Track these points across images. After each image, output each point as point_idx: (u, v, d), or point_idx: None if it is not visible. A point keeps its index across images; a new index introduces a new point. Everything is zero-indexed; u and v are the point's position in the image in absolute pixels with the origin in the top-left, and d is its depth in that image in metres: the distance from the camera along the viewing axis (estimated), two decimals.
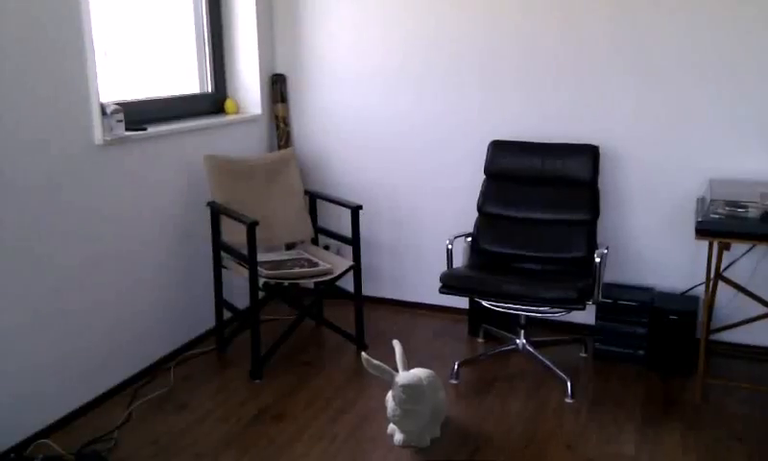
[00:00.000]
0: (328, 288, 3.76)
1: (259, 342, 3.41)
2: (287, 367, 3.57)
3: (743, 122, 3.45)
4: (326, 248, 4.11)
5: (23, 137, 2.75)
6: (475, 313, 3.91)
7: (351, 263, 3.63)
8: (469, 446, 2.87)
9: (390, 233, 4.27)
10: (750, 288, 3.51)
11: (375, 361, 2.64)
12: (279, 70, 4.33)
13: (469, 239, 3.68)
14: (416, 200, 4.16)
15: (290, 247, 4.21)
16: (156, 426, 3.04)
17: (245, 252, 3.35)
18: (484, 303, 3.41)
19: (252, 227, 3.28)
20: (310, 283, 3.83)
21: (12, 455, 2.66)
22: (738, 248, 3.49)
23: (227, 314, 3.81)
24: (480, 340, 3.89)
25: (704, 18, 3.41)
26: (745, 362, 3.60)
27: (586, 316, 3.86)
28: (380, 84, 4.10)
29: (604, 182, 3.73)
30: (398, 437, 2.79)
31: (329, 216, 4.33)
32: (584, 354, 3.70)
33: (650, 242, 3.73)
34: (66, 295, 3.00)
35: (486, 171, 3.73)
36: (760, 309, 3.51)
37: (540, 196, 3.62)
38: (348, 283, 3.88)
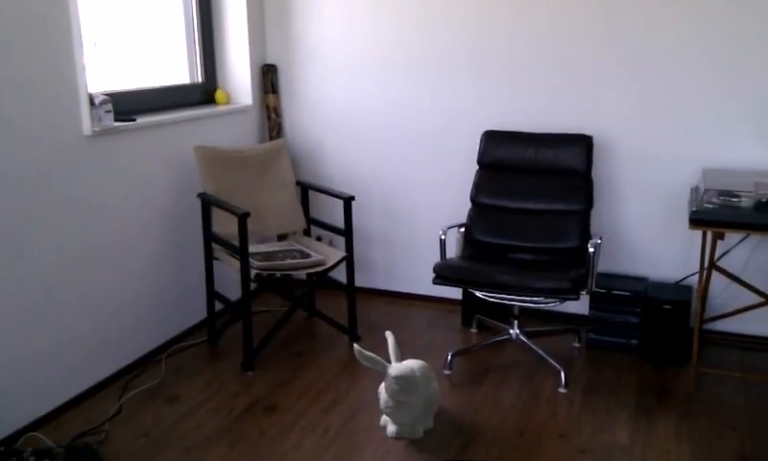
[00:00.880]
0: (321, 279, 3.73)
1: (251, 334, 3.39)
2: (279, 359, 3.55)
3: (737, 111, 3.44)
4: (319, 239, 4.08)
5: (10, 128, 2.72)
6: (468, 303, 3.90)
7: (344, 254, 3.61)
8: (463, 437, 2.86)
9: (382, 224, 4.25)
10: (743, 278, 3.50)
11: (368, 353, 2.63)
12: (270, 60, 4.29)
13: (463, 230, 3.66)
14: (408, 190, 4.14)
15: (282, 238, 4.18)
16: (147, 419, 3.02)
17: (236, 243, 3.33)
18: (477, 294, 3.40)
19: (243, 218, 3.26)
20: (302, 275, 3.81)
21: (2, 448, 2.63)
22: (732, 237, 3.48)
23: (218, 306, 3.78)
24: (473, 330, 3.88)
25: (696, 8, 3.40)
26: (737, 351, 3.60)
27: (579, 306, 3.85)
28: (372, 74, 4.07)
29: (597, 173, 3.71)
30: (391, 429, 2.78)
31: (321, 207, 4.31)
32: (577, 344, 3.70)
33: (643, 232, 3.72)
34: (55, 287, 2.97)
35: (479, 161, 3.72)
36: (753, 298, 3.50)
37: (534, 186, 3.61)
38: (340, 274, 3.86)
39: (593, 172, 3.69)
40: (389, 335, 2.77)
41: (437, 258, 4.10)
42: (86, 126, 3.04)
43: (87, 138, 3.07)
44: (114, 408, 3.09)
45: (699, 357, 3.29)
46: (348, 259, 3.65)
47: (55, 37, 2.87)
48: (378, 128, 4.13)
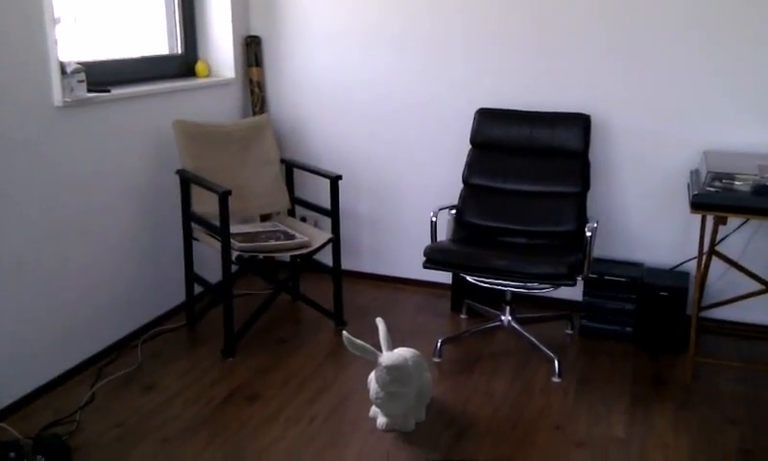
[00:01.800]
0: (305, 262, 3.58)
1: (232, 318, 3.23)
2: (261, 344, 3.40)
3: (739, 93, 3.32)
4: (303, 220, 3.92)
5: None
6: (458, 288, 3.77)
7: (330, 236, 3.46)
8: (454, 429, 2.73)
9: (370, 205, 4.10)
10: (742, 264, 3.39)
11: (358, 341, 2.48)
12: (254, 32, 4.10)
13: (454, 212, 3.52)
14: (397, 169, 3.99)
15: (265, 218, 4.02)
16: (121, 408, 2.86)
17: (217, 223, 3.16)
18: (468, 279, 3.26)
19: (224, 196, 3.09)
20: (286, 257, 3.66)
21: None
22: (730, 222, 3.37)
23: (197, 289, 3.62)
24: (463, 316, 3.75)
25: None
26: (734, 340, 3.50)
27: (572, 292, 3.73)
28: (360, 46, 3.90)
29: (593, 154, 3.58)
30: (381, 420, 2.64)
31: (307, 186, 4.14)
32: (570, 331, 3.58)
33: (640, 216, 3.60)
34: (22, 267, 2.80)
35: (472, 140, 3.57)
36: (751, 286, 3.40)
37: (529, 167, 3.47)
38: (325, 257, 3.71)
39: (589, 153, 3.55)
40: (380, 322, 2.63)
41: (426, 241, 3.95)
42: (57, 96, 2.85)
43: (58, 109, 2.88)
44: (86, 396, 2.93)
45: (696, 346, 3.18)
46: (335, 241, 3.49)
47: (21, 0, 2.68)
48: (367, 103, 3.96)
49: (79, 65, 2.93)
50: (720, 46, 3.29)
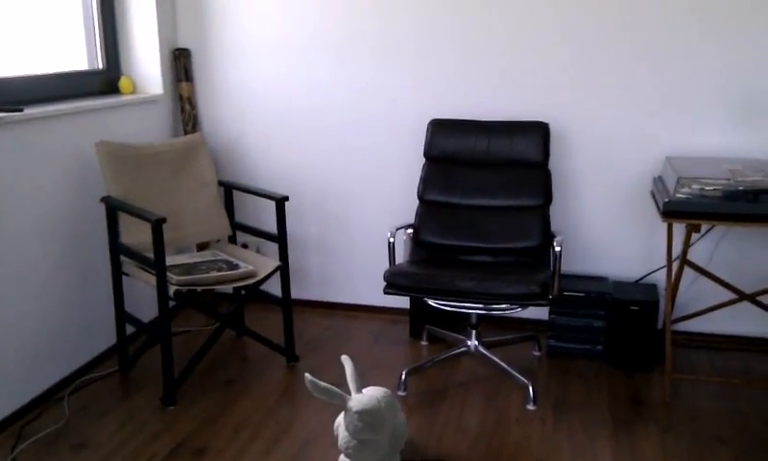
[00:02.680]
0: (251, 293, 3.26)
1: (171, 361, 2.88)
2: (206, 388, 3.06)
3: (701, 96, 3.20)
4: (245, 246, 3.60)
5: None
6: (417, 313, 3.51)
7: (278, 263, 3.15)
8: None
9: (316, 227, 3.81)
10: (710, 272, 3.27)
11: (323, 383, 2.19)
12: (183, 44, 3.77)
13: (410, 231, 3.27)
14: (346, 188, 3.71)
15: (202, 247, 3.68)
16: None
17: (149, 255, 2.82)
18: (430, 302, 3.02)
19: (157, 225, 2.75)
20: (228, 288, 3.33)
21: None
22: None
23: (129, 329, 3.25)
24: (424, 343, 3.49)
25: None
26: (706, 352, 3.37)
27: (536, 311, 3.53)
28: (299, 57, 3.62)
29: (550, 165, 3.40)
30: None
31: (247, 210, 3.83)
32: (537, 353, 3.38)
33: (601, 227, 3.44)
34: None
35: (426, 154, 3.33)
36: (719, 295, 3.28)
37: (488, 180, 3.26)
38: (270, 286, 3.40)
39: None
40: (346, 361, 2.34)
41: (379, 264, 3.72)
42: None
43: None
44: None
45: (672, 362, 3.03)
46: (283, 269, 3.19)
47: None
48: (309, 118, 3.68)
49: None
50: (680, 48, 3.17)
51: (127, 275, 3.09)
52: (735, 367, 3.22)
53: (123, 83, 3.54)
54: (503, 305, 2.88)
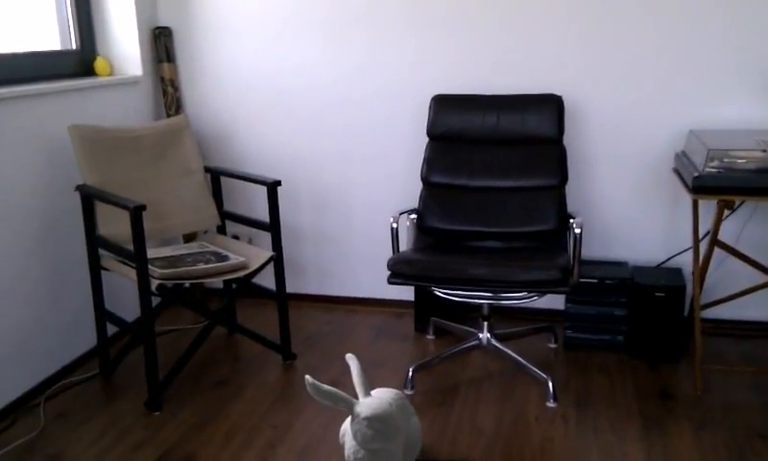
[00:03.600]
0: (243, 287, 3.00)
1: (156, 363, 2.62)
2: (194, 391, 2.80)
3: (724, 65, 2.95)
4: (236, 238, 3.34)
5: None
6: (423, 305, 3.26)
7: (271, 253, 2.89)
8: None
9: (312, 216, 3.54)
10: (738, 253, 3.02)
11: (326, 386, 1.93)
12: (163, 22, 3.50)
13: (414, 216, 3.02)
14: (343, 172, 3.45)
15: (190, 239, 3.43)
16: None
17: (130, 247, 2.56)
18: (437, 293, 2.77)
19: (136, 212, 2.49)
20: (219, 283, 3.08)
21: None
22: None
23: (111, 329, 2.99)
24: (430, 337, 3.24)
25: None
26: (735, 341, 3.12)
27: (551, 300, 3.29)
28: (291, 34, 3.36)
29: (565, 143, 3.15)
30: None
31: (237, 198, 3.57)
32: (553, 345, 3.13)
33: (619, 208, 3.19)
34: None
35: (429, 132, 3.08)
36: (750, 277, 3.03)
37: (497, 160, 3.00)
38: (264, 279, 3.14)
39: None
40: (351, 360, 2.08)
41: (380, 254, 3.47)
42: None
43: None
44: None
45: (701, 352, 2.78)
46: (277, 259, 2.93)
47: None
48: (302, 98, 3.42)
49: None
50: (702, 15, 2.92)
51: (106, 269, 2.83)
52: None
53: (99, 64, 3.27)
54: (519, 294, 2.62)
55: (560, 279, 2.46)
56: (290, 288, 3.62)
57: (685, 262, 3.13)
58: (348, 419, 1.98)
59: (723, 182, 2.53)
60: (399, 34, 3.22)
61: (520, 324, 3.31)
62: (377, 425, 1.90)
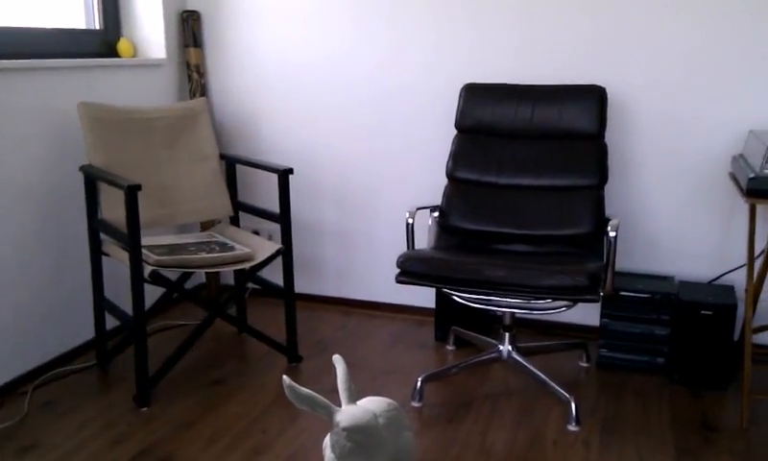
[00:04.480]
0: (248, 280, 2.82)
1: (145, 356, 2.46)
2: (190, 388, 2.63)
3: None
4: (256, 233, 3.17)
5: None
6: (444, 313, 3.02)
7: (279, 246, 2.70)
8: None
9: (335, 214, 3.35)
10: None
11: (303, 389, 1.72)
12: (192, 6, 3.38)
13: (436, 214, 2.79)
14: (369, 170, 3.25)
15: (206, 229, 3.28)
16: None
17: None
18: (456, 298, 2.52)
19: (131, 191, 2.34)
20: (232, 278, 2.92)
21: None
22: None
23: (112, 320, 2.85)
24: (450, 347, 2.99)
25: None
26: None
27: (585, 314, 3.00)
28: (322, 22, 3.19)
29: (607, 140, 2.88)
30: None
31: (256, 189, 3.41)
32: (585, 364, 2.83)
33: (666, 217, 2.88)
34: None
35: (458, 124, 2.85)
36: None
37: (530, 155, 2.75)
38: (279, 278, 2.96)
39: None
40: (338, 361, 1.86)
41: None
42: None
43: None
44: None
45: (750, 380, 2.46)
46: (286, 253, 2.74)
47: None
48: (331, 90, 3.24)
49: None
50: (763, 6, 2.61)
51: (107, 255, 2.70)
52: None
53: (122, 45, 3.17)
54: (543, 302, 2.36)
55: (587, 287, 2.19)
56: (308, 289, 3.44)
57: (739, 280, 2.80)
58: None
59: None
60: (429, 22, 3.01)
61: (549, 339, 3.03)
62: (357, 437, 1.67)
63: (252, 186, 3.40)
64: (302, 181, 3.34)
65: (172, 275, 3.01)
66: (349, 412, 1.72)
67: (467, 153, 2.80)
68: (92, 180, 2.64)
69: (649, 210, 2.90)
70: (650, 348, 2.73)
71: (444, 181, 2.89)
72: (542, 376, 2.48)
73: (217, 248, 2.69)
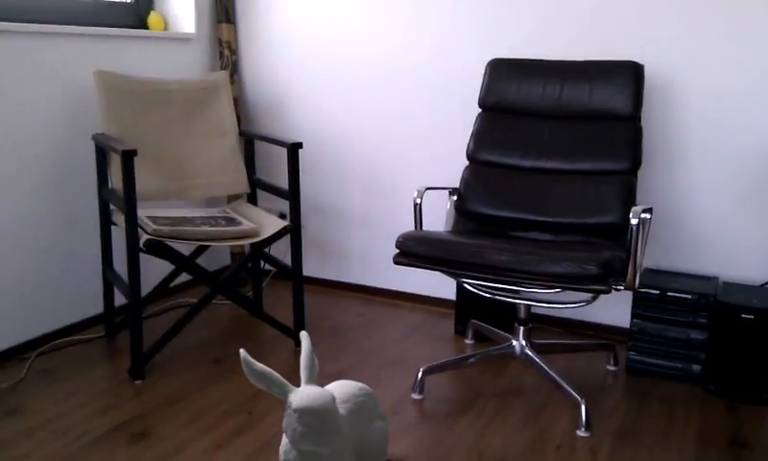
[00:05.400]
0: (257, 258, 2.72)
1: (140, 329, 2.41)
2: (189, 365, 2.56)
3: None
4: (282, 216, 3.07)
5: None
6: (464, 305, 2.84)
7: (286, 223, 2.60)
8: None
9: (361, 200, 3.22)
10: None
11: (260, 366, 1.59)
12: None
13: (455, 198, 2.61)
14: (395, 153, 3.11)
15: (231, 201, 3.21)
16: None
17: (144, 203, 2.37)
18: (468, 287, 2.35)
19: (127, 157, 2.29)
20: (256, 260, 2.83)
21: None
22: None
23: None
24: (469, 341, 2.81)
25: None
26: None
27: (616, 314, 2.76)
28: None
29: (646, 125, 2.63)
30: None
31: (279, 168, 3.32)
32: (612, 367, 2.59)
33: (713, 212, 2.60)
34: None
35: (481, 102, 2.66)
36: None
37: (557, 137, 2.54)
38: (309, 265, 2.86)
39: (642, 121, 2.62)
40: (304, 338, 1.73)
41: None
42: None
43: None
44: None
45: None
46: (293, 231, 2.63)
47: None
48: (365, 73, 3.12)
49: None
50: None
51: (116, 225, 2.66)
52: None
53: (153, 19, 3.15)
54: (552, 292, 2.15)
55: (595, 276, 1.97)
56: (333, 275, 3.33)
57: None
58: None
59: None
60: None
61: (575, 337, 2.81)
62: (308, 421, 1.53)
63: (279, 166, 3.31)
64: (331, 165, 3.23)
65: (185, 249, 2.96)
66: (304, 393, 1.58)
67: (489, 133, 2.62)
68: (103, 148, 2.61)
69: (694, 205, 2.63)
70: (685, 354, 2.47)
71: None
72: (554, 376, 2.26)
73: (223, 222, 2.61)
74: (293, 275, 2.68)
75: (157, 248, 2.36)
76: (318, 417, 1.54)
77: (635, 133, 2.44)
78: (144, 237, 2.35)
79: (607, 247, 2.28)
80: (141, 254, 2.33)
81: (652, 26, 2.57)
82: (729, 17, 2.46)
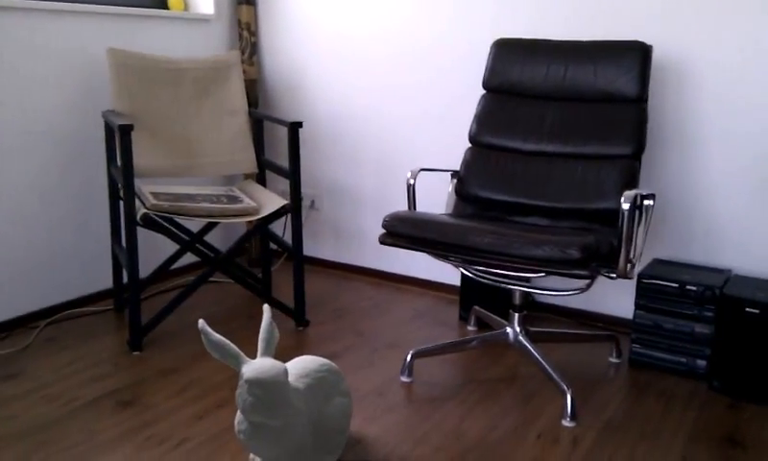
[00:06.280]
0: (254, 235, 2.74)
1: (138, 301, 2.46)
2: (186, 339, 2.60)
3: None
4: (312, 204, 3.08)
5: None
6: (468, 292, 2.80)
7: (285, 202, 2.60)
8: None
9: (375, 183, 3.21)
10: None
11: (216, 336, 1.61)
12: None
13: (455, 180, 2.57)
14: (409, 137, 3.08)
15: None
16: None
17: (142, 177, 2.42)
18: (462, 270, 2.32)
19: (124, 131, 2.33)
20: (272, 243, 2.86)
21: None
22: None
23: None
24: (471, 327, 2.77)
25: None
26: None
27: (619, 305, 2.67)
28: None
29: (658, 108, 2.53)
30: None
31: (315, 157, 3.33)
32: (614, 359, 2.51)
33: (729, 202, 2.48)
34: None
35: (485, 83, 2.61)
36: None
37: (559, 119, 2.47)
38: (323, 249, 2.87)
39: (651, 103, 2.52)
40: (266, 310, 1.73)
41: None
42: None
43: None
44: None
45: None
46: (294, 210, 2.63)
47: None
48: (383, 55, 3.10)
49: None
50: None
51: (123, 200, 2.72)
52: None
53: None
54: (537, 276, 2.10)
55: (577, 261, 1.90)
56: (347, 259, 3.33)
57: None
58: None
59: None
60: None
61: (579, 327, 2.73)
62: (257, 392, 1.53)
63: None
64: (346, 149, 3.23)
65: (194, 227, 3.01)
66: (256, 365, 1.58)
67: (492, 115, 2.56)
68: (111, 126, 2.67)
69: (709, 194, 2.51)
70: (689, 348, 2.37)
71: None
72: (544, 364, 2.20)
73: (225, 200, 2.63)
74: (294, 254, 2.69)
75: (153, 222, 2.41)
76: (267, 389, 1.55)
77: (639, 116, 2.35)
78: (141, 211, 2.40)
79: (602, 233, 2.21)
80: (148, 232, 2.39)
81: (659, 7, 2.46)
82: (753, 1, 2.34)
